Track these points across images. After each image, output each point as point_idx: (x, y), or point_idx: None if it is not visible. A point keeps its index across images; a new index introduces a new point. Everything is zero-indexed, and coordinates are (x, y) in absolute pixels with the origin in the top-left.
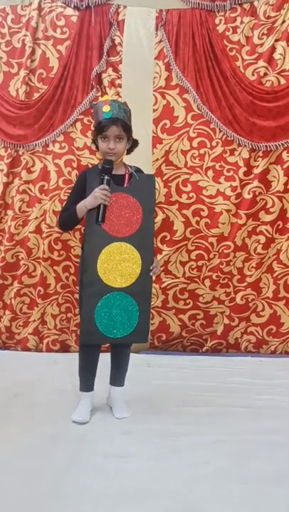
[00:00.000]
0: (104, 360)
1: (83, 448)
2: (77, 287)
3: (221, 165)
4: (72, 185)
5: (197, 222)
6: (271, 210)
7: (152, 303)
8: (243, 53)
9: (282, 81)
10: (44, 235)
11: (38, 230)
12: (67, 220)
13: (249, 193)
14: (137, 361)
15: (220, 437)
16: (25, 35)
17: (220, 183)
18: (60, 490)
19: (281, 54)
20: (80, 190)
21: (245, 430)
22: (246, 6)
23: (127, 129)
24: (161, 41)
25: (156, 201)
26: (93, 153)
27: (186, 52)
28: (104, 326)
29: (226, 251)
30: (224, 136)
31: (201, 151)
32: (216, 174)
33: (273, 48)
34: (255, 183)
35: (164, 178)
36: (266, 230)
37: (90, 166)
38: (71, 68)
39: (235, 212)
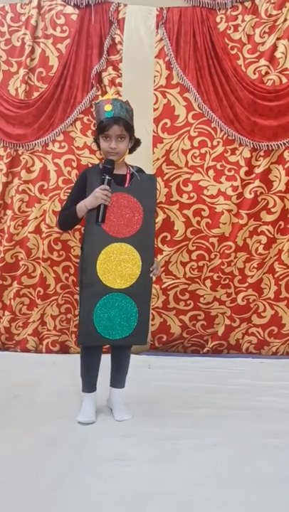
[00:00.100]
0: (105, 361)
1: (83, 450)
2: (77, 288)
3: (222, 164)
4: (72, 184)
5: (198, 223)
6: (273, 210)
7: (153, 303)
8: (245, 52)
9: (284, 80)
10: (44, 235)
11: (37, 230)
12: (67, 219)
13: (250, 193)
14: (138, 362)
15: (221, 439)
16: (24, 34)
17: (221, 182)
18: (59, 492)
19: (283, 52)
20: (80, 190)
21: (246, 432)
22: (248, 4)
23: (129, 128)
24: (161, 39)
25: (157, 201)
26: (93, 152)
27: (186, 51)
28: (103, 327)
29: (227, 251)
30: (225, 136)
31: (202, 151)
32: (217, 174)
33: (275, 47)
34: (257, 182)
35: (165, 178)
36: (267, 230)
37: (90, 165)
38: (71, 67)
39: (237, 212)
